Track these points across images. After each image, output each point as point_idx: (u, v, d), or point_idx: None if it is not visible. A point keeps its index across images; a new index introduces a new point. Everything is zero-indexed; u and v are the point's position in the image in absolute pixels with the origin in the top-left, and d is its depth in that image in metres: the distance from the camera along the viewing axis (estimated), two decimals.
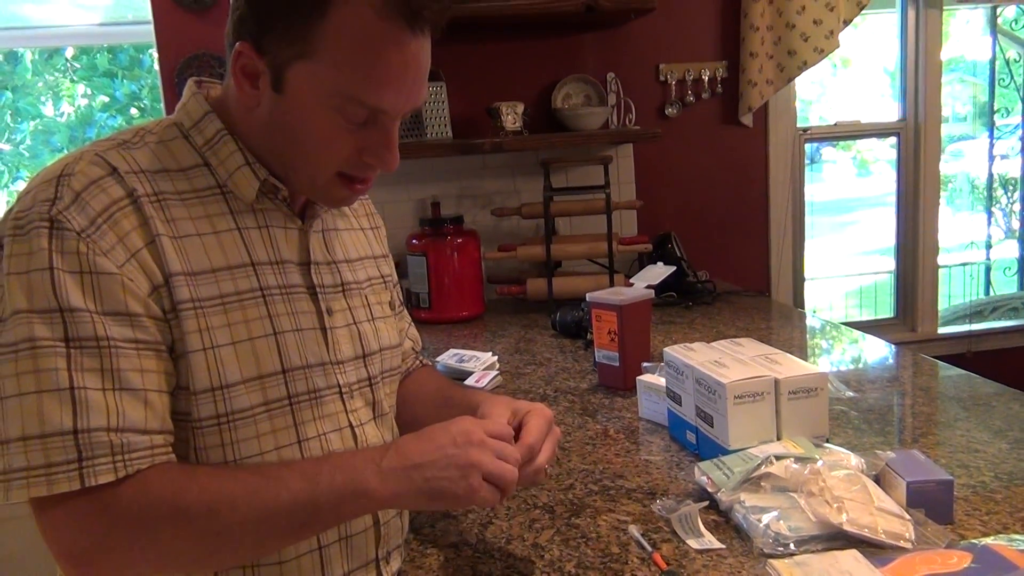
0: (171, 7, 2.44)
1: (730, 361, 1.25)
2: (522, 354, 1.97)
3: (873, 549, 0.92)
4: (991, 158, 3.44)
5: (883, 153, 3.14)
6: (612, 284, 2.28)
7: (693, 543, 0.98)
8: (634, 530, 1.03)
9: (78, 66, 2.79)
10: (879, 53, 3.13)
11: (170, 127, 0.92)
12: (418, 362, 1.25)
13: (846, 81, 3.89)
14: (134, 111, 2.85)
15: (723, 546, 0.97)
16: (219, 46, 2.46)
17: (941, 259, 3.14)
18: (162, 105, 2.54)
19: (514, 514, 1.10)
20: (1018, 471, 1.14)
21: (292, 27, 0.82)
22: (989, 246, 3.53)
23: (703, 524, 1.02)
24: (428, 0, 0.83)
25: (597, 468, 1.25)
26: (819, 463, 1.03)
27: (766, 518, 0.97)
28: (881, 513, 0.96)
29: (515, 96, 2.53)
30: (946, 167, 3.87)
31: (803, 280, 3.05)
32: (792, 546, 0.94)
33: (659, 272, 1.77)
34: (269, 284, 0.90)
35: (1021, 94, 3.36)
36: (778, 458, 1.05)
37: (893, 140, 3.10)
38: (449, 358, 1.81)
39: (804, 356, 1.65)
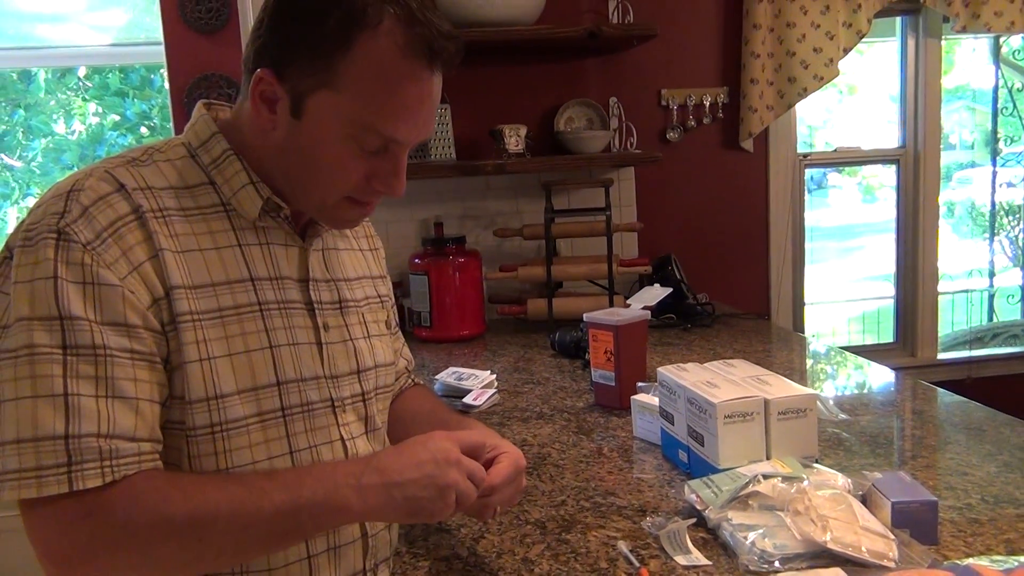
0: (182, 29, 2.49)
1: (722, 381, 1.27)
2: (521, 373, 1.99)
3: (857, 568, 0.93)
4: (994, 186, 3.46)
5: (888, 179, 3.15)
6: (612, 305, 2.30)
7: (680, 559, 1.00)
8: (623, 546, 1.04)
9: (90, 85, 2.84)
10: (884, 80, 3.16)
11: (178, 146, 0.95)
12: (410, 381, 1.28)
13: (852, 108, 3.92)
14: (144, 130, 2.90)
15: (709, 563, 0.99)
16: (228, 67, 2.52)
17: (944, 286, 3.15)
18: (171, 124, 2.58)
19: (505, 529, 1.12)
20: (1005, 494, 1.15)
21: (317, 58, 0.86)
22: (992, 274, 3.54)
23: (691, 541, 1.03)
24: (446, 43, 0.89)
25: (590, 485, 1.26)
26: (805, 482, 1.04)
27: (752, 535, 0.99)
28: (865, 532, 0.97)
29: (518, 119, 2.57)
30: (953, 194, 3.89)
31: (803, 305, 3.06)
32: (777, 563, 0.95)
33: (656, 293, 1.79)
34: (267, 299, 0.93)
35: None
36: (766, 477, 1.07)
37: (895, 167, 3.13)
38: (448, 376, 1.83)
39: (800, 379, 1.67)
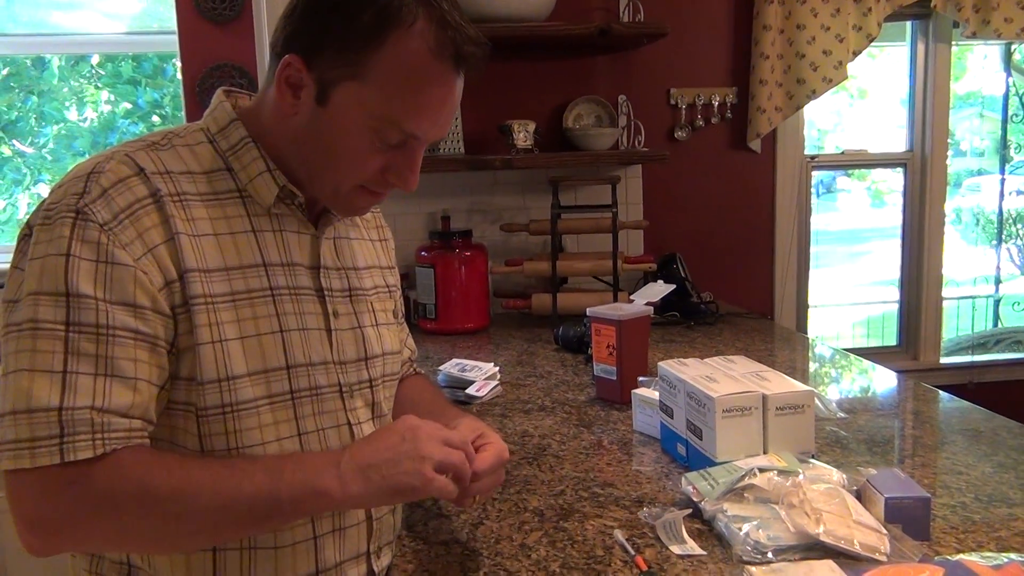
0: (196, 18, 2.52)
1: (721, 376, 1.28)
2: (524, 366, 2.00)
3: (849, 560, 0.95)
4: (1002, 194, 3.46)
5: (897, 184, 3.16)
6: (616, 302, 2.32)
7: (675, 549, 1.01)
8: (619, 535, 1.06)
9: (103, 73, 2.86)
10: (895, 84, 3.16)
11: (197, 132, 0.98)
12: (412, 369, 1.30)
13: (862, 111, 3.93)
14: (156, 118, 2.92)
15: (704, 552, 1.00)
16: (241, 58, 2.54)
17: (950, 291, 3.15)
18: (183, 113, 2.61)
19: (504, 516, 1.14)
20: (998, 494, 1.17)
21: (348, 50, 0.88)
22: (999, 280, 3.54)
23: (687, 531, 1.05)
24: (474, 48, 0.92)
25: (588, 476, 1.28)
26: (800, 476, 1.06)
27: (746, 527, 1.00)
28: (858, 526, 0.99)
29: (527, 115, 2.59)
30: (962, 201, 3.89)
31: (806, 307, 3.07)
32: (770, 554, 0.97)
33: (659, 290, 1.80)
34: (279, 284, 0.95)
35: None
36: (762, 470, 1.08)
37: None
38: (452, 367, 1.84)
39: (801, 378, 1.68)
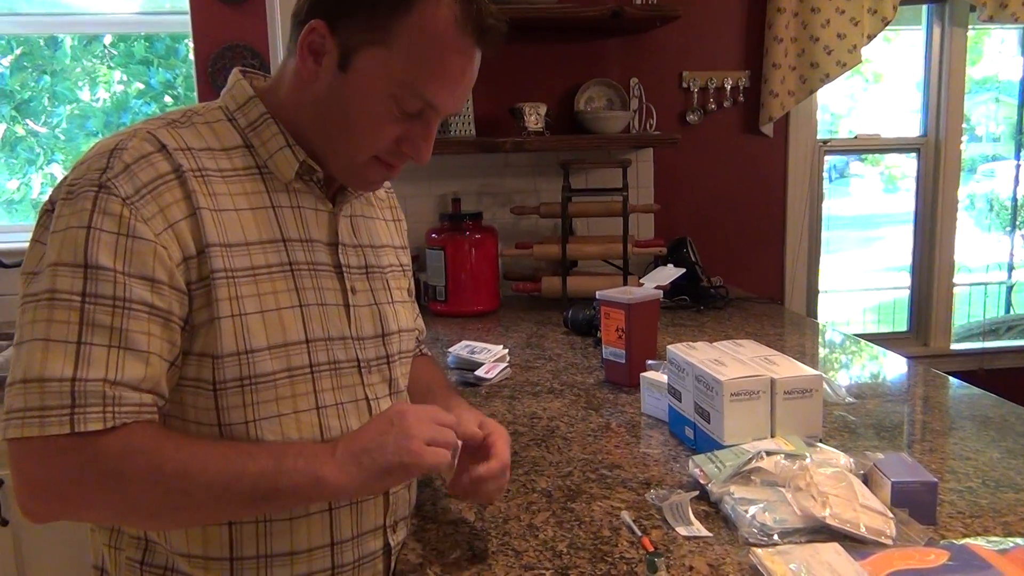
0: None
1: (729, 360, 1.28)
2: (533, 349, 2.01)
3: (854, 543, 0.95)
4: (1017, 179, 3.43)
5: (911, 170, 3.13)
6: (626, 285, 2.32)
7: (682, 530, 1.02)
8: (626, 516, 1.07)
9: (115, 53, 2.86)
10: (911, 69, 3.13)
11: (216, 110, 0.99)
12: (419, 350, 1.30)
13: (877, 95, 3.90)
14: (168, 99, 2.92)
15: (710, 534, 1.01)
16: (253, 38, 2.54)
17: (962, 278, 3.13)
18: (195, 94, 2.61)
19: (513, 497, 1.15)
20: (1006, 479, 1.17)
21: (374, 16, 0.90)
22: (1012, 267, 3.52)
23: (693, 513, 1.06)
24: (495, 22, 0.94)
25: (596, 458, 1.29)
26: (808, 460, 1.06)
27: (753, 509, 1.01)
28: (864, 510, 0.99)
29: (538, 97, 2.58)
30: (977, 186, 3.86)
31: (817, 292, 3.06)
32: (776, 537, 0.97)
33: (669, 273, 1.80)
34: (298, 260, 0.96)
35: None
36: (769, 454, 1.09)
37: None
38: (461, 349, 1.85)
39: (811, 362, 1.68)
